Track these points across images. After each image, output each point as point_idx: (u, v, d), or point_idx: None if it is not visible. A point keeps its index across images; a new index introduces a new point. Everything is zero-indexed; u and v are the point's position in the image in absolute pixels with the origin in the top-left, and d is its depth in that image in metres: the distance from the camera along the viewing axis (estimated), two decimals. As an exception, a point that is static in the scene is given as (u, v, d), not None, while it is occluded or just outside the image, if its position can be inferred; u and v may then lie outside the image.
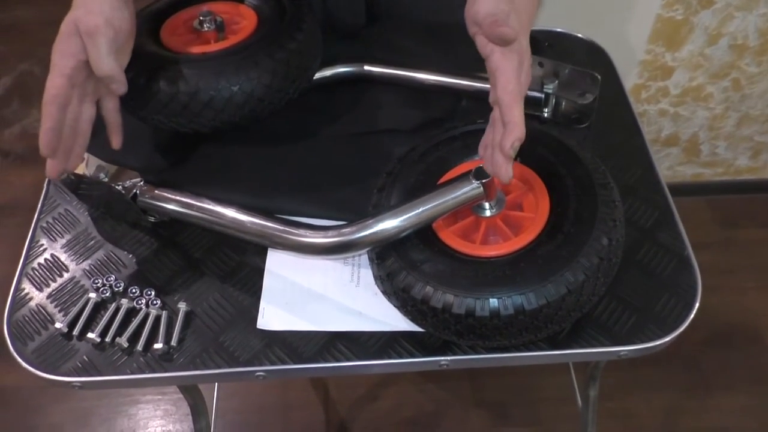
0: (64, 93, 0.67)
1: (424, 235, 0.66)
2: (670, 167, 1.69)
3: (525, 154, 0.70)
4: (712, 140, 1.62)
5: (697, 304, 0.69)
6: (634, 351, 0.67)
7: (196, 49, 0.78)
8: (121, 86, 0.71)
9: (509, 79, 0.59)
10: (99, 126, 0.84)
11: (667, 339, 0.67)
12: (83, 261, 0.75)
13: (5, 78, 2.21)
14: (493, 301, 0.60)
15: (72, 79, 0.67)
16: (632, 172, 0.81)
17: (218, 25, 0.82)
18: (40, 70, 2.23)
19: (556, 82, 0.82)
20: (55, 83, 0.66)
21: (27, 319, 0.71)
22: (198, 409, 1.13)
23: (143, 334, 0.69)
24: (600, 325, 0.68)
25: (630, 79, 1.44)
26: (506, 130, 0.59)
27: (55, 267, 0.75)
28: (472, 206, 0.66)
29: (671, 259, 0.73)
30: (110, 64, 0.68)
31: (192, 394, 1.11)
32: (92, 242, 0.77)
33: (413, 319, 0.65)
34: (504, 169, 0.60)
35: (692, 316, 0.68)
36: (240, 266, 0.74)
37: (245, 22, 0.82)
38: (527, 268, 0.61)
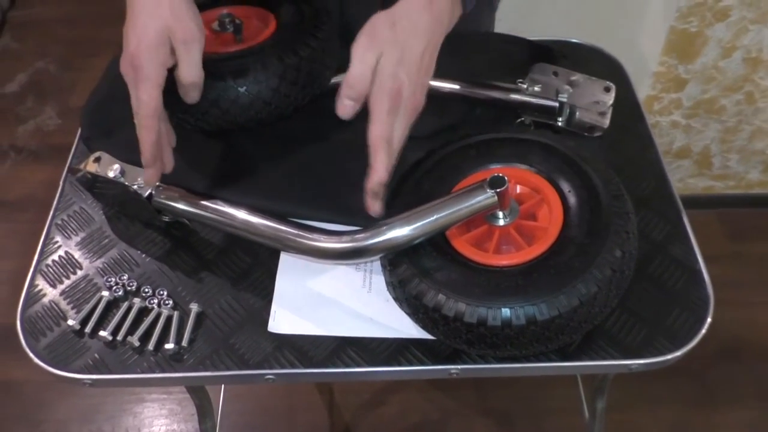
0: (161, 104, 0.67)
1: (437, 242, 0.66)
2: (681, 179, 1.69)
3: (539, 164, 0.70)
4: (724, 153, 1.62)
5: (709, 319, 0.69)
6: (645, 365, 0.67)
7: (211, 50, 0.79)
8: (198, 94, 0.72)
9: (376, 125, 0.64)
10: (114, 126, 0.85)
11: (678, 353, 0.67)
12: (97, 259, 0.76)
13: (21, 75, 2.23)
14: (506, 311, 0.60)
15: (162, 88, 0.67)
16: (645, 184, 0.81)
17: (236, 28, 0.83)
18: (56, 67, 2.25)
19: (571, 91, 0.83)
20: (153, 95, 0.66)
21: (40, 315, 0.72)
22: (204, 410, 1.13)
23: (154, 333, 0.69)
24: (611, 337, 0.68)
25: (643, 90, 1.44)
26: (370, 172, 0.65)
27: (69, 264, 0.76)
28: (486, 215, 0.66)
29: (683, 272, 0.73)
30: (200, 72, 0.70)
31: (199, 394, 1.11)
32: (106, 241, 0.77)
33: (424, 327, 0.65)
34: (370, 205, 0.67)
35: (704, 330, 0.68)
36: (252, 269, 0.74)
37: (264, 26, 0.83)
38: (540, 279, 0.61)
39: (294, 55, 0.77)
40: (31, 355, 0.69)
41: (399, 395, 1.49)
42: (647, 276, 0.72)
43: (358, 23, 0.95)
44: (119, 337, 0.69)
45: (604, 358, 0.66)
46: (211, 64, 0.75)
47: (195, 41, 0.68)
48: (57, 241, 0.78)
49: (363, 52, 0.65)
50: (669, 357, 0.67)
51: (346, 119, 0.66)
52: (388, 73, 0.64)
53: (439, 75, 0.87)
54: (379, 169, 0.65)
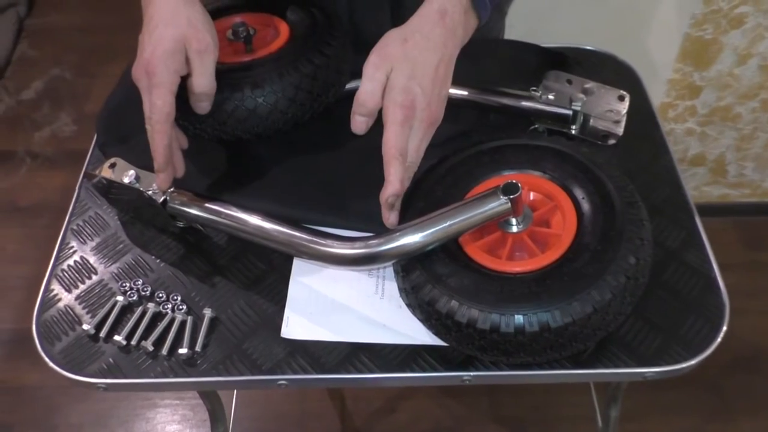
0: (174, 110, 0.69)
1: (450, 249, 0.66)
2: (696, 187, 1.68)
3: (552, 171, 0.70)
4: (739, 161, 1.61)
5: (725, 327, 0.68)
6: (660, 373, 0.66)
7: (227, 59, 0.79)
8: (209, 105, 0.73)
9: (389, 136, 0.65)
10: (129, 132, 0.85)
11: (693, 362, 0.66)
12: (112, 264, 0.76)
13: (37, 82, 2.25)
14: (518, 318, 0.59)
15: (174, 95, 0.69)
16: (660, 191, 0.81)
17: (248, 37, 0.83)
18: (71, 74, 2.27)
19: (585, 99, 0.82)
20: (166, 101, 0.68)
21: (55, 319, 0.72)
22: (216, 416, 1.13)
23: (168, 338, 0.70)
24: (625, 345, 0.67)
25: (657, 97, 1.44)
26: (385, 184, 0.66)
27: (84, 269, 0.76)
28: (499, 222, 0.66)
29: (698, 280, 0.72)
30: (213, 82, 0.71)
31: (211, 400, 1.12)
32: (121, 246, 0.78)
33: (437, 333, 0.65)
34: (385, 216, 0.68)
35: (719, 339, 0.67)
36: (265, 274, 0.75)
37: (278, 35, 0.83)
38: (553, 285, 0.61)
39: (309, 64, 0.77)
40: (47, 359, 0.69)
41: (411, 402, 1.48)
42: (662, 283, 0.72)
43: (366, 28, 0.95)
44: (133, 342, 0.70)
45: (618, 366, 0.66)
46: (228, 75, 0.75)
47: (209, 51, 0.70)
48: (72, 246, 0.79)
49: (373, 71, 0.66)
50: (684, 365, 0.66)
51: (360, 134, 0.68)
52: (399, 86, 0.65)
53: (452, 82, 0.88)
54: (393, 181, 0.65)
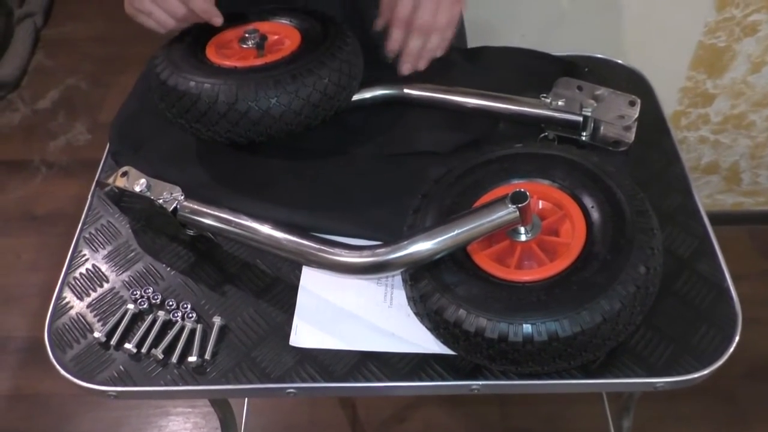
0: None
1: (458, 257, 0.66)
2: (710, 195, 1.66)
3: (562, 179, 0.69)
4: (753, 169, 1.59)
5: (737, 337, 0.67)
6: (671, 383, 0.65)
7: (239, 63, 0.80)
8: (220, 19, 0.83)
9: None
10: (142, 141, 0.86)
11: (705, 372, 0.65)
12: (123, 272, 0.77)
13: (53, 92, 2.28)
14: (527, 327, 0.59)
15: None
16: (671, 200, 0.80)
17: (260, 42, 0.84)
18: (86, 84, 2.30)
19: (595, 105, 0.82)
20: None
21: (67, 327, 0.73)
22: (228, 424, 1.13)
23: (178, 346, 0.70)
24: (636, 354, 0.67)
25: (670, 105, 1.43)
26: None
27: (96, 277, 0.77)
28: (508, 230, 0.66)
29: (710, 289, 0.72)
30: None
31: (222, 408, 1.12)
32: (132, 254, 0.79)
33: (445, 342, 0.65)
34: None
35: (732, 349, 0.67)
36: (275, 283, 0.75)
37: (290, 41, 0.84)
38: (562, 295, 0.60)
39: (322, 66, 0.78)
40: (58, 367, 0.70)
41: (421, 412, 1.48)
42: (673, 293, 0.71)
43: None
44: (144, 350, 0.70)
45: (629, 376, 0.65)
46: (241, 76, 0.76)
47: None
48: (84, 255, 0.79)
49: None
50: (696, 375, 0.65)
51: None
52: None
53: (462, 90, 0.88)
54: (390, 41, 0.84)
